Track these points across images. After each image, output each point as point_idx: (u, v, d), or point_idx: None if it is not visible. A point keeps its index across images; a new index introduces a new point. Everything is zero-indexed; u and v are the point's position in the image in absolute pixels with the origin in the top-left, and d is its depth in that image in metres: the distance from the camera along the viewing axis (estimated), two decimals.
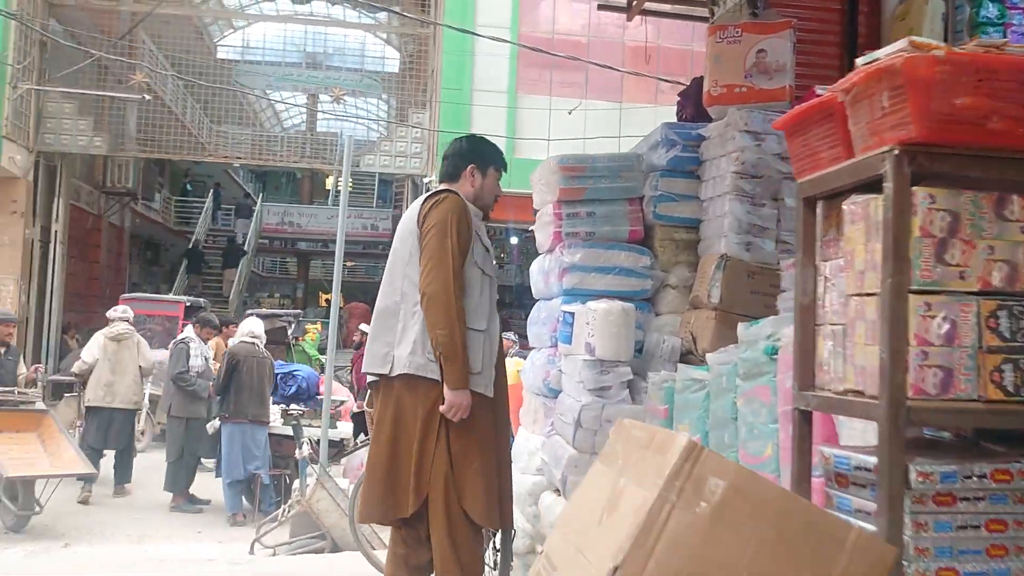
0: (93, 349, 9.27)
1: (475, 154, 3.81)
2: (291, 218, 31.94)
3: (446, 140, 15.64)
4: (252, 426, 8.15)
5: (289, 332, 13.98)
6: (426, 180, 16.39)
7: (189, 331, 8.92)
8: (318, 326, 17.77)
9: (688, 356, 4.30)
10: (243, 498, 8.31)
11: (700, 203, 4.69)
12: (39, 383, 9.47)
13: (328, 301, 35.54)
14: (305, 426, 8.12)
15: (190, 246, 27.34)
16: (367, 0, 16.11)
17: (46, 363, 16.39)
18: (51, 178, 16.62)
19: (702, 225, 4.67)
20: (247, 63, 28.06)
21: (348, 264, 45.40)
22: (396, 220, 25.72)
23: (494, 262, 3.81)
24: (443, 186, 3.77)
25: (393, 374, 3.44)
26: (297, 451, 7.33)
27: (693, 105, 5.47)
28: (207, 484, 9.46)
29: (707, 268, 4.29)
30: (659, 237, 4.75)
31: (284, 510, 7.06)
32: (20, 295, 15.36)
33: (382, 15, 21.46)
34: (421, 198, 3.70)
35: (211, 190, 31.60)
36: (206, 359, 8.80)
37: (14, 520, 7.40)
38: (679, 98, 5.87)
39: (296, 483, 7.48)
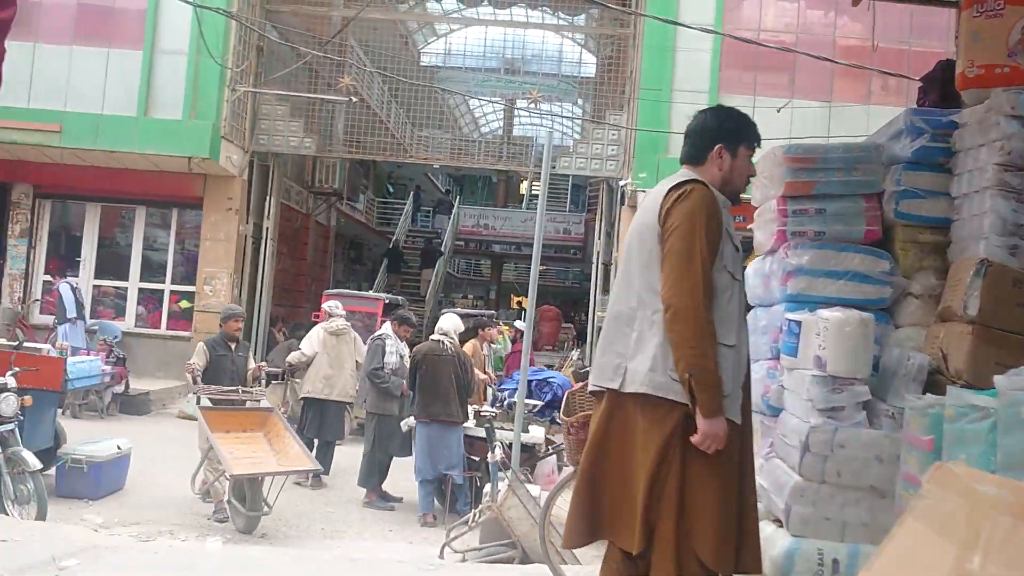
0: (313, 342, 9.59)
1: (723, 131, 3.24)
2: (486, 221, 32.36)
3: (644, 142, 15.25)
4: (440, 426, 8.03)
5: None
6: (622, 183, 16.02)
7: (387, 328, 8.95)
8: (506, 329, 17.75)
9: (936, 376, 3.72)
10: (434, 499, 8.21)
11: (951, 200, 4.09)
12: (261, 381, 9.45)
13: (520, 303, 35.97)
14: (498, 429, 7.92)
15: (390, 246, 28.17)
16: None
17: (255, 355, 17.19)
18: (264, 177, 17.42)
19: (954, 225, 4.06)
20: (448, 69, 28.70)
21: (540, 268, 45.74)
22: (589, 225, 25.45)
23: (743, 263, 3.34)
24: (684, 171, 3.24)
25: (625, 390, 2.99)
26: (489, 454, 7.10)
27: (938, 92, 4.85)
28: (401, 481, 9.48)
29: (961, 275, 3.70)
30: (901, 239, 4.18)
31: (474, 515, 6.87)
32: (233, 288, 16.14)
33: (579, 18, 21.28)
34: (661, 188, 3.16)
35: (411, 192, 32.48)
36: (401, 356, 8.79)
37: (244, 522, 7.24)
38: (920, 84, 5.22)
39: (487, 487, 7.28)
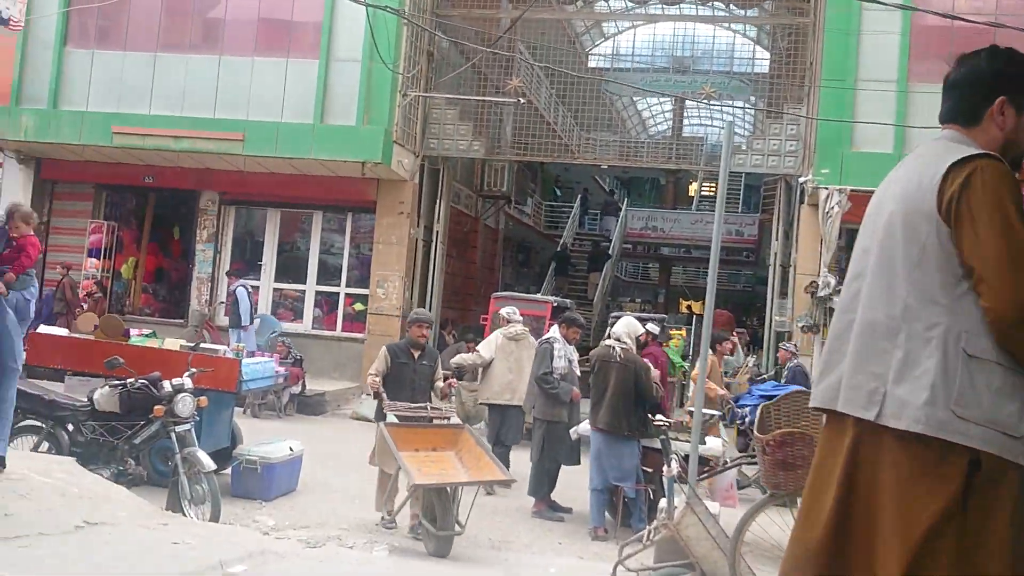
0: (491, 347, 9.51)
1: (1007, 79, 2.44)
2: (655, 223, 31.70)
3: (827, 136, 14.30)
4: (608, 436, 7.63)
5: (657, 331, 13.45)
6: (802, 180, 15.14)
7: (555, 331, 8.65)
8: (682, 332, 17.14)
9: None
10: (606, 511, 7.83)
11: None
12: (451, 396, 9.02)
13: (689, 307, 35.10)
14: (673, 440, 7.45)
15: (558, 249, 28.00)
16: None
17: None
18: (434, 181, 17.55)
19: None
20: (616, 71, 28.30)
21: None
22: (763, 226, 24.41)
23: None
24: (953, 135, 2.49)
25: (886, 423, 2.24)
26: (664, 468, 6.65)
27: None
28: (570, 492, 9.16)
29: None
30: None
31: (649, 532, 6.45)
32: (404, 291, 16.31)
33: (752, 11, 20.39)
34: (928, 163, 2.38)
35: (579, 195, 32.23)
36: (569, 361, 8.48)
37: (435, 544, 6.58)
38: None
39: (662, 502, 6.85)
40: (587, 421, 8.17)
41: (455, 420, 7.62)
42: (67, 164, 17.22)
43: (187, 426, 6.86)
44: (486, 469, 6.83)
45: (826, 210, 14.09)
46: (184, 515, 6.66)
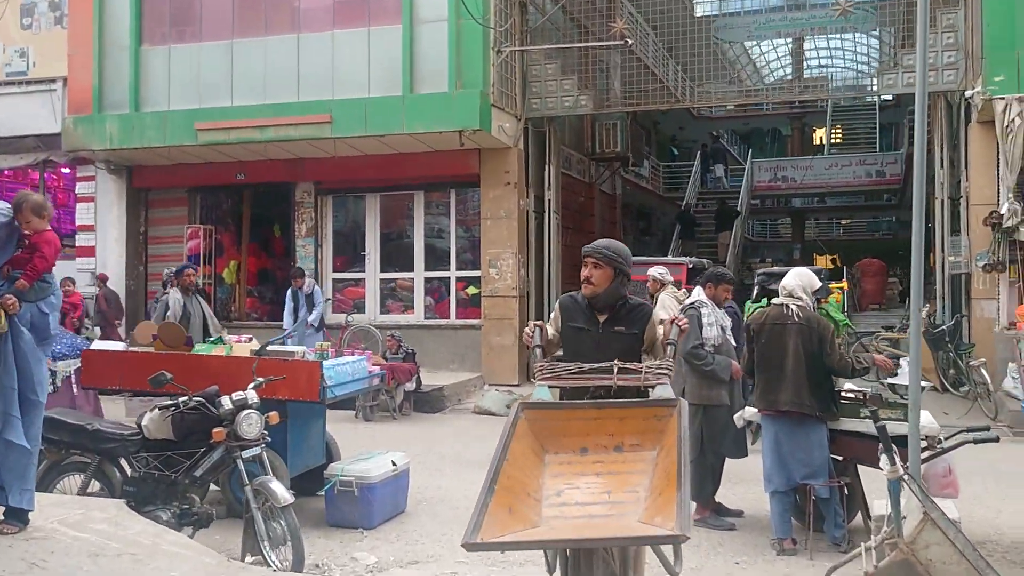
0: (672, 312, 8.06)
1: None
2: (784, 172, 29.26)
3: (995, 38, 11.97)
4: (790, 421, 5.90)
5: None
6: (968, 94, 12.88)
7: (699, 293, 6.92)
8: (844, 284, 15.08)
9: None
10: (791, 517, 6.10)
11: None
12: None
13: (834, 261, 32.46)
14: (887, 419, 5.65)
15: (681, 209, 26.00)
16: None
17: None
18: (540, 145, 15.97)
19: None
20: (726, 15, 26.06)
21: (844, 222, 41.55)
22: (909, 160, 21.80)
23: None
24: None
25: None
26: (885, 465, 4.85)
27: None
28: (738, 489, 7.50)
29: None
30: None
31: (866, 547, 4.71)
32: (519, 268, 14.82)
33: None
34: None
35: (698, 152, 30.05)
36: (722, 328, 6.75)
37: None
38: None
39: (877, 507, 5.11)
40: (752, 404, 6.47)
41: (663, 390, 4.04)
42: (158, 170, 16.44)
43: (256, 450, 5.51)
44: (660, 508, 3.33)
45: (1005, 124, 11.83)
46: (264, 560, 5.32)
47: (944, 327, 12.82)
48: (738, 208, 26.06)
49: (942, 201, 14.03)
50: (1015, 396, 11.32)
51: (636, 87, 16.99)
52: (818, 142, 40.30)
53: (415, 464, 8.67)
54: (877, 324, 17.44)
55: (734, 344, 6.91)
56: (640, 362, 4.23)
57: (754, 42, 33.50)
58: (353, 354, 7.28)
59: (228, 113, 14.96)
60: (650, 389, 4.05)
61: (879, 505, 5.23)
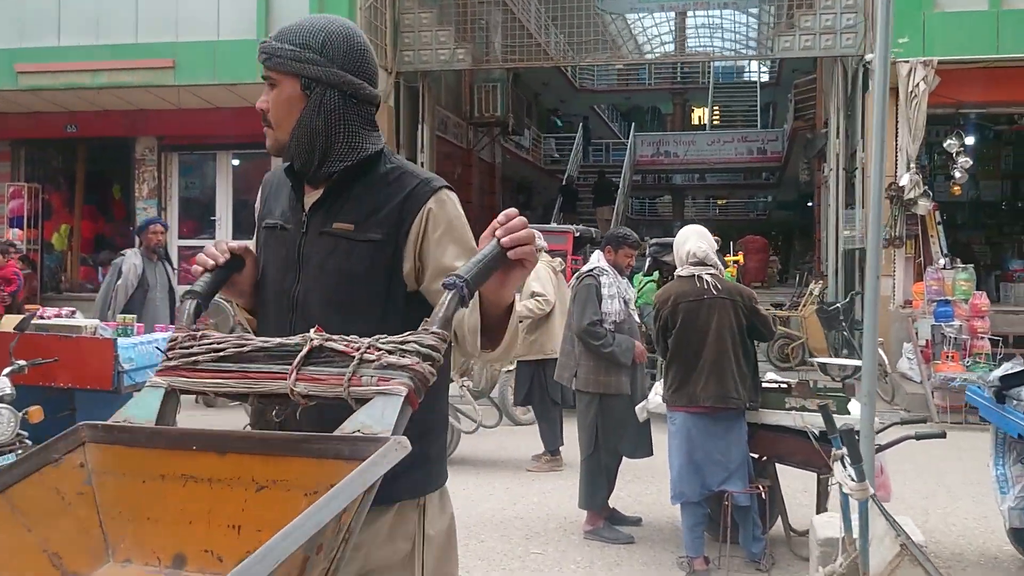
0: (548, 284, 7.35)
1: None
2: (667, 147, 28.62)
3: (900, 1, 11.27)
4: (709, 417, 4.79)
5: None
6: (869, 58, 12.17)
7: (597, 259, 5.73)
8: (740, 257, 14.29)
9: None
10: (704, 531, 5.00)
11: None
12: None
13: (717, 240, 32.26)
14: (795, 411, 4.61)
15: (563, 183, 25.01)
16: None
17: None
18: (413, 103, 14.59)
19: None
20: None
21: (720, 201, 41.58)
22: (797, 135, 21.33)
23: None
24: None
25: None
26: (844, 476, 3.73)
27: None
28: (636, 486, 6.44)
29: None
30: None
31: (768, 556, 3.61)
32: None
33: None
34: None
35: (580, 125, 29.14)
36: (625, 301, 5.59)
37: None
38: None
39: (828, 529, 4.05)
40: (655, 394, 5.36)
41: (380, 408, 1.46)
42: None
43: (8, 458, 4.05)
44: None
45: (909, 89, 11.14)
46: None
47: (838, 305, 12.13)
48: (619, 182, 25.24)
49: (836, 172, 13.36)
50: (911, 378, 10.72)
51: (517, 51, 15.79)
52: (698, 122, 40.12)
53: None
54: (765, 301, 16.81)
55: (639, 321, 5.77)
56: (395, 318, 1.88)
57: (637, 15, 32.84)
58: (166, 330, 5.81)
59: (55, 54, 12.98)
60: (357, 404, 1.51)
61: (822, 524, 4.18)
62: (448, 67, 14.63)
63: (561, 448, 7.39)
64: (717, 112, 37.00)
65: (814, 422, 4.98)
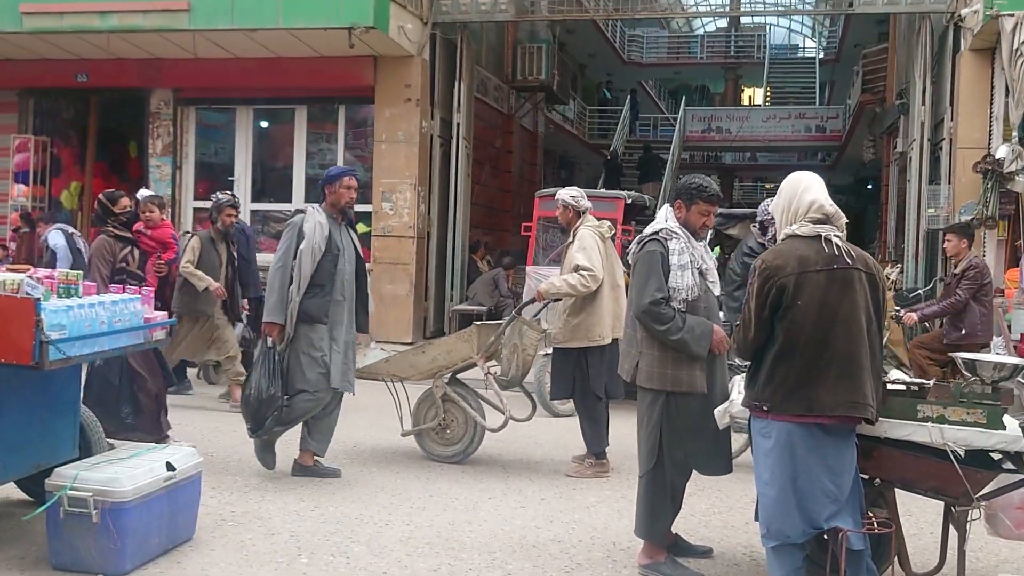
0: (595, 255, 6.09)
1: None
2: (719, 123, 27.07)
3: None
4: (816, 429, 3.51)
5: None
6: (965, 12, 10.71)
7: (665, 216, 4.41)
8: None
9: None
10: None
11: None
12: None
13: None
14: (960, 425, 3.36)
15: (608, 157, 23.64)
16: None
17: (451, 288, 13.36)
18: (451, 59, 13.33)
19: None
20: None
21: (769, 185, 39.82)
22: (862, 111, 19.75)
23: None
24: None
25: None
26: None
27: None
28: (702, 503, 5.22)
29: None
30: None
31: None
32: (418, 204, 12.27)
33: None
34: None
35: (628, 96, 27.68)
36: (701, 272, 4.32)
37: None
38: None
39: None
40: (738, 393, 4.10)
41: None
42: None
43: None
44: None
45: (1015, 46, 9.69)
46: None
47: (920, 292, 10.73)
48: (666, 158, 23.81)
49: (920, 144, 11.94)
50: None
51: (564, 9, 14.53)
52: (748, 103, 38.40)
53: (235, 456, 6.16)
54: None
55: (718, 295, 4.49)
56: None
57: None
58: (126, 291, 4.67)
59: None
60: None
61: None
62: (489, 18, 13.41)
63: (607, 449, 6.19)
64: (770, 93, 35.33)
65: (957, 438, 3.75)
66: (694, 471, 4.34)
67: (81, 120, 14.33)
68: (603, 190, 12.22)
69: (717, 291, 4.41)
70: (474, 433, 6.33)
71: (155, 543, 4.17)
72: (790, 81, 34.25)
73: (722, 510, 5.36)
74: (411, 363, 6.39)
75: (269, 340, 5.58)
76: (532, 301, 6.49)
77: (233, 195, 8.54)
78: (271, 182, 13.45)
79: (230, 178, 13.24)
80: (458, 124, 13.20)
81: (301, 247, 5.61)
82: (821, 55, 34.29)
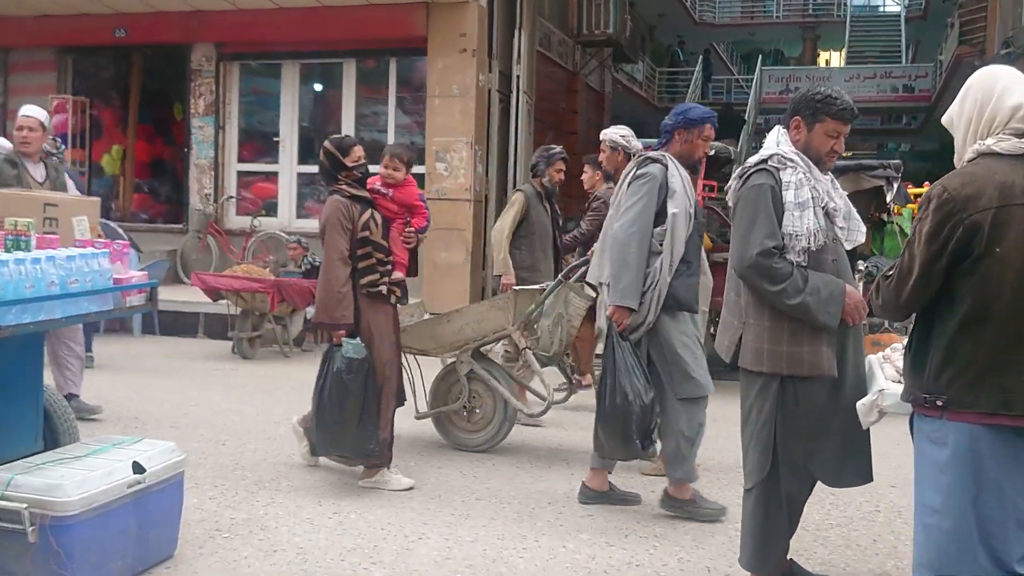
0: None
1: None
2: (798, 84, 25.44)
3: None
4: (1011, 437, 2.42)
5: (889, 198, 7.98)
6: None
7: (777, 140, 3.30)
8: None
9: None
10: None
11: None
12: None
13: None
14: None
15: None
16: None
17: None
18: (510, 5, 12.25)
19: None
20: None
21: (847, 154, 37.82)
22: (961, 62, 18.08)
23: None
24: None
25: None
26: None
27: None
28: (826, 522, 4.15)
29: None
30: None
31: None
32: (475, 164, 11.27)
33: None
34: None
35: (700, 57, 26.24)
36: (828, 214, 3.16)
37: None
38: None
39: None
40: (887, 380, 3.00)
41: None
42: (17, 23, 12.62)
43: None
44: None
45: None
46: None
47: None
48: (745, 119, 22.40)
49: None
50: None
51: None
52: (824, 63, 36.50)
53: (253, 443, 5.27)
54: None
55: (847, 248, 3.39)
56: None
57: None
58: (87, 245, 3.75)
59: None
60: None
61: None
62: None
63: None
64: (849, 55, 33.42)
65: None
66: (817, 481, 3.27)
67: (122, 80, 13.63)
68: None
69: (854, 241, 3.30)
70: (504, 416, 5.38)
71: (117, 566, 3.27)
72: (872, 41, 32.28)
73: (840, 522, 4.29)
74: (433, 334, 5.39)
75: (619, 330, 4.13)
76: (584, 265, 5.37)
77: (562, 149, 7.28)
78: (319, 143, 12.56)
79: (275, 139, 12.40)
80: (518, 77, 12.12)
81: (673, 210, 4.14)
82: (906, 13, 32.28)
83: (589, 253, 5.17)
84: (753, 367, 3.15)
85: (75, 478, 3.12)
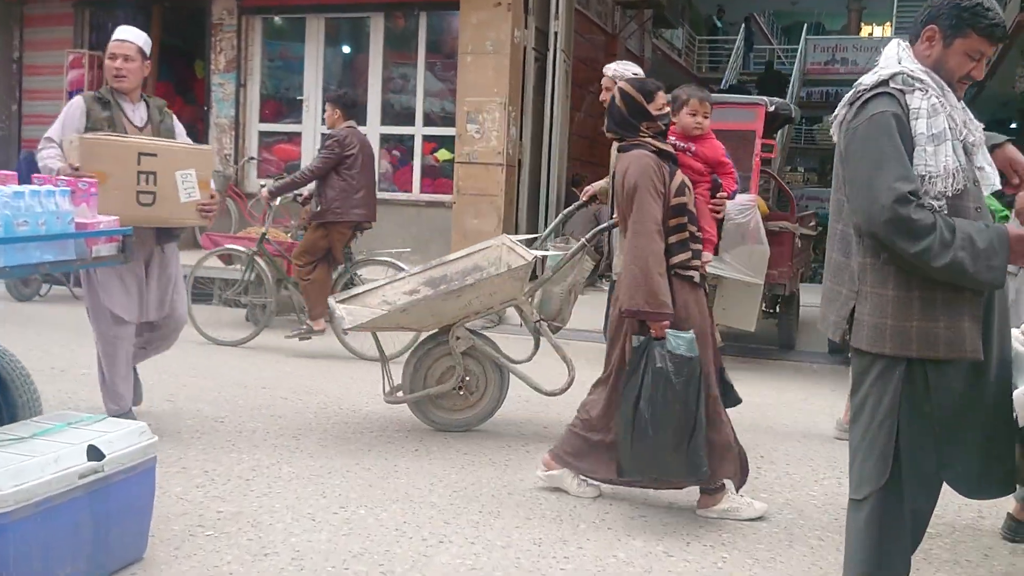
0: None
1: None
2: (844, 54, 24.45)
3: None
4: None
5: None
6: None
7: (898, 56, 2.60)
8: None
9: None
10: None
11: None
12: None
13: None
14: None
15: (720, 89, 21.48)
16: None
17: (544, 225, 11.66)
18: None
19: None
20: None
21: None
22: (1014, 36, 16.97)
23: None
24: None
25: None
26: None
27: None
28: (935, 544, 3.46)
29: None
30: None
31: None
32: (509, 126, 10.56)
33: None
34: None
35: (742, 25, 25.25)
36: (967, 149, 2.53)
37: None
38: None
39: None
40: None
41: None
42: None
43: None
44: None
45: None
46: None
47: None
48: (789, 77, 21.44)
49: None
50: None
51: None
52: (867, 34, 35.27)
53: (255, 421, 4.65)
54: None
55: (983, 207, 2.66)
56: None
57: None
58: (58, 185, 3.13)
59: None
60: None
61: None
62: None
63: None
64: (895, 28, 32.18)
65: None
66: (937, 491, 2.58)
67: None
68: (735, 95, 10.01)
69: (992, 184, 2.59)
70: (500, 390, 4.84)
71: (66, 572, 2.66)
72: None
73: (942, 531, 3.60)
74: (435, 311, 4.66)
75: None
76: (610, 228, 4.63)
77: None
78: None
79: (299, 98, 11.77)
80: (556, 34, 11.38)
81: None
82: None
83: (612, 218, 4.40)
84: (871, 348, 2.44)
85: (9, 466, 2.50)
